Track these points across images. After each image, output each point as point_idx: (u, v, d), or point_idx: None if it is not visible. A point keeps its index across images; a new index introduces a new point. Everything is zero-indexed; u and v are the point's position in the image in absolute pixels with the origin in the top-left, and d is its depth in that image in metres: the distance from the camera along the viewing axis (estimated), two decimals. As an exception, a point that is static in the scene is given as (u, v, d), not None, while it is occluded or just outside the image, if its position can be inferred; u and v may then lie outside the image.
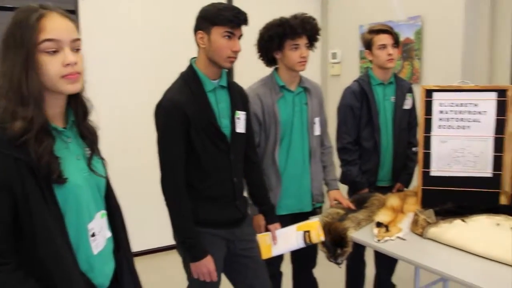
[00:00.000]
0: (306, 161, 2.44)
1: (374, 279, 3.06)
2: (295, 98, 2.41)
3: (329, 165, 2.60)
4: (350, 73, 4.35)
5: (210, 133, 1.92)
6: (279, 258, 2.47)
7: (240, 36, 1.93)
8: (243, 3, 2.42)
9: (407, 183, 2.84)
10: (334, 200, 2.50)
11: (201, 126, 1.90)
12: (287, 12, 2.38)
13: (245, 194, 2.18)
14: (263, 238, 2.19)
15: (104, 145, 1.46)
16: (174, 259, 2.16)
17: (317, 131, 2.46)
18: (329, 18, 4.51)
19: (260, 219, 2.25)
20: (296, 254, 2.54)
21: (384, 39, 2.65)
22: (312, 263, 2.61)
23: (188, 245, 1.92)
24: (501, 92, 2.31)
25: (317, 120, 2.46)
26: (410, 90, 2.83)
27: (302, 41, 2.29)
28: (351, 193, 2.73)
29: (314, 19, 2.35)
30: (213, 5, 1.92)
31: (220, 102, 1.98)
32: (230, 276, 2.15)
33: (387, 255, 2.81)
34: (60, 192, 1.20)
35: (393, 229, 2.16)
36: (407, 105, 2.79)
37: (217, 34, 1.88)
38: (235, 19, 1.88)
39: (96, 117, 1.39)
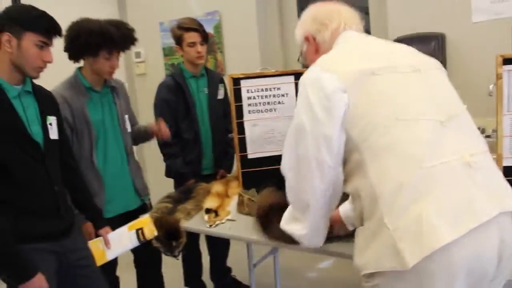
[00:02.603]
0: (124, 158, 2.43)
1: (210, 266, 3.16)
2: (103, 98, 2.38)
3: None
4: (156, 71, 4.36)
5: (20, 142, 1.77)
6: (114, 263, 2.40)
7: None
8: (37, 2, 2.23)
9: (229, 169, 2.98)
10: None
11: (9, 136, 1.74)
12: (83, 12, 2.30)
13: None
14: (95, 244, 2.10)
15: None
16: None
17: (129, 128, 2.47)
18: (128, 17, 4.42)
19: (89, 227, 2.15)
20: (139, 258, 2.56)
21: (193, 37, 2.73)
22: (158, 263, 2.63)
23: (12, 267, 1.73)
24: (298, 75, 2.54)
25: (126, 117, 2.46)
26: (222, 81, 2.97)
27: (116, 53, 2.28)
28: (177, 185, 2.76)
29: (133, 30, 2.35)
30: (23, 7, 1.80)
31: (27, 108, 1.83)
32: None
33: (219, 242, 2.95)
34: None
35: (222, 213, 2.24)
36: (220, 95, 2.93)
37: (30, 41, 1.75)
38: (52, 29, 1.79)
39: None
